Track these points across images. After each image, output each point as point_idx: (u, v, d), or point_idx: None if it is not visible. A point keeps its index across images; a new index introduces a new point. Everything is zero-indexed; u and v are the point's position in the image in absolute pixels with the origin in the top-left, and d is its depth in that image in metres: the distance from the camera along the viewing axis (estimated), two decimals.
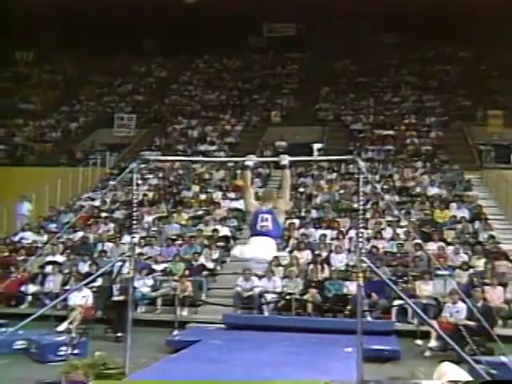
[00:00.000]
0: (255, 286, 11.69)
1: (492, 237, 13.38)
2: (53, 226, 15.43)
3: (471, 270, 11.76)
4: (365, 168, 6.99)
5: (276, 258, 12.54)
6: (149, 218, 15.26)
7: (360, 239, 6.93)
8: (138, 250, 11.21)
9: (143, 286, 12.03)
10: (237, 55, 28.75)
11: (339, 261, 12.57)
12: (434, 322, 8.32)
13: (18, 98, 26.58)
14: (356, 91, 25.05)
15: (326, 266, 12.34)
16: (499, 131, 20.23)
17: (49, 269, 13.04)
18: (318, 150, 19.74)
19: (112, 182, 15.95)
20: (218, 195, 16.79)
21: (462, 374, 6.51)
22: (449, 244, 13.08)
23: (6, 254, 14.08)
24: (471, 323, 8.73)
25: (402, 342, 9.45)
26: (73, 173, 18.45)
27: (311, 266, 12.35)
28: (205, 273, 12.68)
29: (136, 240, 7.36)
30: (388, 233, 13.78)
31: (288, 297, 11.36)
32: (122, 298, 10.14)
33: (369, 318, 10.51)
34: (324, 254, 12.87)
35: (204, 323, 10.91)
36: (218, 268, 13.20)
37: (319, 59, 27.02)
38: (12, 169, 19.76)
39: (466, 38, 25.05)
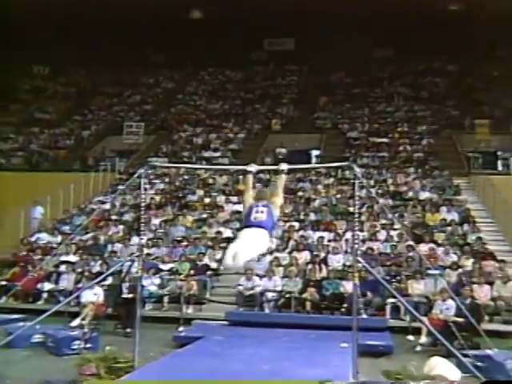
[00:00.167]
0: (256, 285, 11.70)
1: (480, 238, 13.38)
2: (66, 228, 15.49)
3: (460, 270, 11.75)
4: (360, 173, 7.03)
5: (276, 258, 12.60)
6: (156, 221, 15.28)
7: (356, 241, 6.96)
8: (145, 250, 11.28)
9: (151, 284, 12.05)
10: (239, 67, 28.81)
11: (336, 261, 12.57)
12: (424, 319, 8.31)
13: (35, 109, 26.74)
14: (352, 101, 25.12)
15: (323, 266, 12.35)
16: (486, 139, 20.28)
17: (63, 268, 13.12)
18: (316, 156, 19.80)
19: (121, 187, 15.97)
20: (221, 199, 16.80)
21: (451, 368, 6.55)
22: (439, 245, 13.09)
23: (24, 252, 14.29)
24: (460, 319, 8.73)
25: (395, 338, 9.44)
26: (85, 178, 18.45)
27: (310, 266, 12.35)
28: (209, 272, 12.69)
29: (144, 241, 7.42)
30: (382, 235, 13.79)
31: (288, 295, 11.37)
32: (130, 295, 10.14)
33: (364, 316, 10.49)
34: (322, 254, 12.86)
35: (208, 320, 10.91)
36: (222, 268, 13.19)
37: (317, 71, 27.10)
38: (28, 174, 19.77)
39: (453, 53, 25.57)
